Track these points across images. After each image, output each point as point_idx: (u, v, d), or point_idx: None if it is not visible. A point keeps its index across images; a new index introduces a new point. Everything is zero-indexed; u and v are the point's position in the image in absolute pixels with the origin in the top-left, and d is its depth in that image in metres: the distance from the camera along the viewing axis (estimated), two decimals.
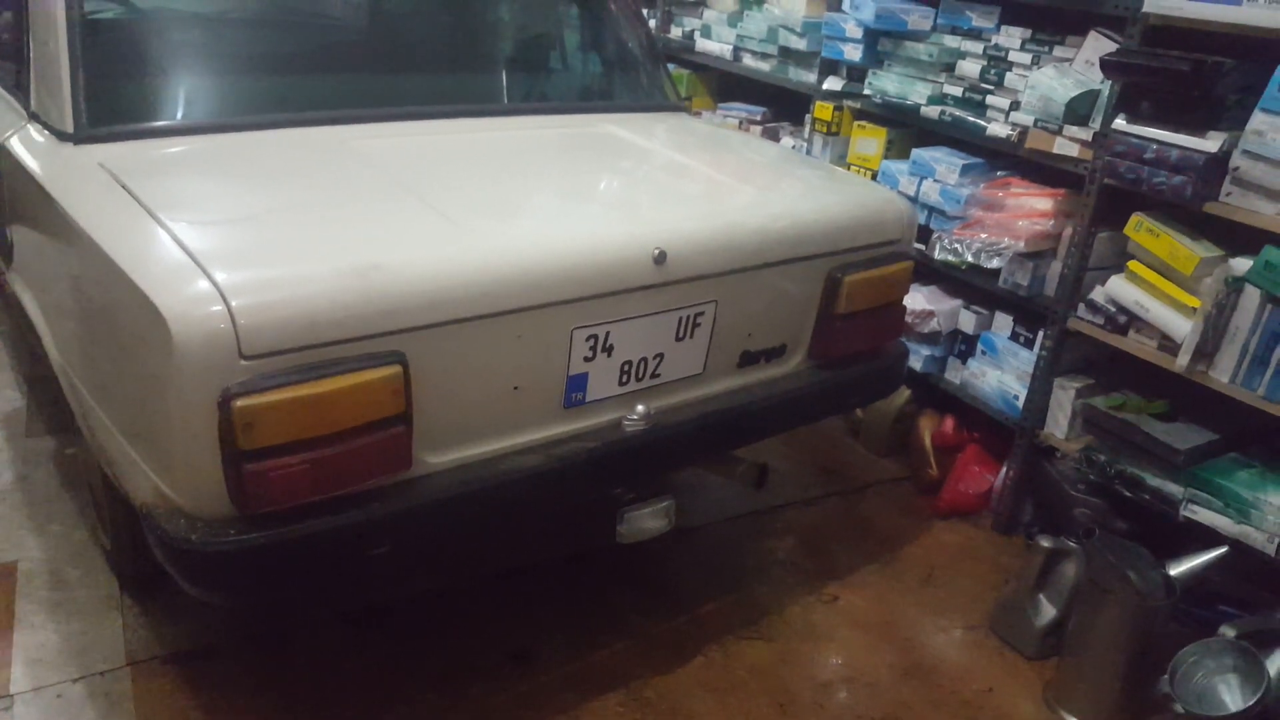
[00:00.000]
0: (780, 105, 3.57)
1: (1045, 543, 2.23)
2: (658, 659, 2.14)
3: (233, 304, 1.35)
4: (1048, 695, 2.14)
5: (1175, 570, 2.07)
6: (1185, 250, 2.15)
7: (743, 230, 1.91)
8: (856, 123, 3.09)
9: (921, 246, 2.71)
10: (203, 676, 1.97)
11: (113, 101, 1.86)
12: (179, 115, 1.96)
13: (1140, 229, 2.25)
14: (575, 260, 1.68)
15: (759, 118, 3.60)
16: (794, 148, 3.33)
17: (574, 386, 1.77)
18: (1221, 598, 2.23)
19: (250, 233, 1.57)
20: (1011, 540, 2.69)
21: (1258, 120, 1.98)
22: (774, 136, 3.49)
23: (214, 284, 1.36)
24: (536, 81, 2.64)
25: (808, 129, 3.26)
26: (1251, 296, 2.04)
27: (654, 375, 1.87)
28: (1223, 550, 2.06)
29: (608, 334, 1.75)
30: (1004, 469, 2.72)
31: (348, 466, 1.45)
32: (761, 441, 2.15)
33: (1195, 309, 2.13)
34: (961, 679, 2.19)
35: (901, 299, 2.22)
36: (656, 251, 1.74)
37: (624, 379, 1.83)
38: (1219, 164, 2.07)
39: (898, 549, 2.63)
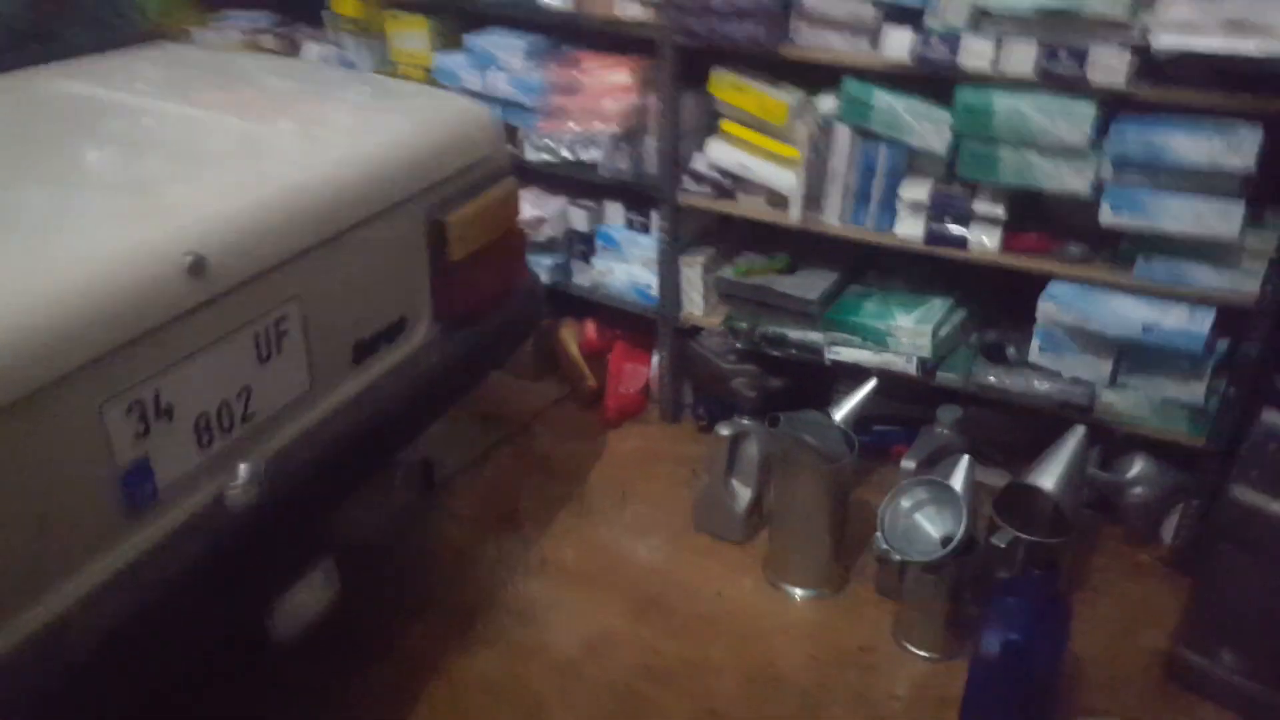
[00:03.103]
0: (291, 4, 2.90)
1: (725, 430, 2.16)
2: None
3: None
4: (768, 573, 2.14)
5: (838, 415, 2.12)
6: (772, 100, 2.09)
7: (300, 194, 1.41)
8: (388, 13, 2.58)
9: (512, 149, 2.38)
10: None
11: None
12: None
13: (724, 85, 2.15)
14: (67, 305, 1.10)
15: (266, 26, 2.90)
16: (324, 60, 2.73)
17: (133, 480, 1.22)
18: (877, 419, 2.36)
19: None
20: (683, 427, 2.65)
21: None
22: (294, 49, 2.83)
23: None
24: None
25: (331, 31, 2.68)
26: (843, 135, 2.05)
27: (245, 418, 1.36)
28: (873, 383, 2.14)
29: (157, 394, 1.21)
30: (655, 359, 2.63)
31: None
32: (419, 438, 1.75)
33: (796, 159, 2.10)
34: (691, 593, 2.10)
35: (516, 224, 1.89)
36: (189, 259, 1.21)
37: (205, 440, 1.30)
38: (786, 1, 1.99)
39: (583, 478, 2.44)
